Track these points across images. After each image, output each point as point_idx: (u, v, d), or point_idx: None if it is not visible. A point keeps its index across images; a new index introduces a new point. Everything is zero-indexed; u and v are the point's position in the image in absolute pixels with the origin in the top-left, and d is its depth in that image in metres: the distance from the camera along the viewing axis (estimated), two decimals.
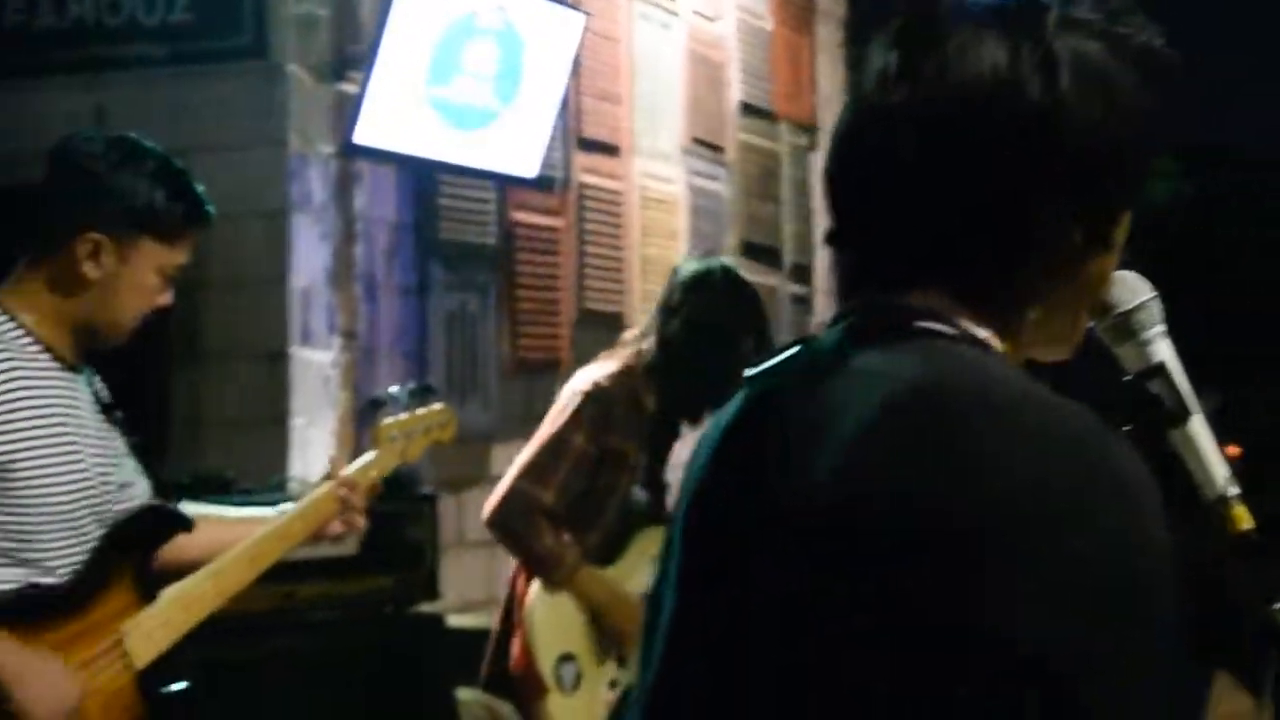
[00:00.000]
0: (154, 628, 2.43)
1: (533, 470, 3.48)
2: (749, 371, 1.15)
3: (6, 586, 2.29)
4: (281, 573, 3.61)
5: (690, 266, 3.68)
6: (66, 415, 2.38)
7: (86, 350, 2.44)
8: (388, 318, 4.90)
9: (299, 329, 4.56)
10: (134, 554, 2.45)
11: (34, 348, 2.36)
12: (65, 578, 2.36)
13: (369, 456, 2.83)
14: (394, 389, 2.96)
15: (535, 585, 3.56)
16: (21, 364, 2.33)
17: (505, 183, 5.23)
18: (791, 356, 1.14)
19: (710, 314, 3.54)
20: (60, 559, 2.35)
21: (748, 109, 6.80)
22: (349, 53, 4.68)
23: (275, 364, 4.54)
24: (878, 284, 1.13)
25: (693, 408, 3.57)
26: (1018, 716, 0.97)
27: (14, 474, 2.28)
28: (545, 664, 3.50)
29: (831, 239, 1.18)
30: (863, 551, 1.01)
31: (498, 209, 5.28)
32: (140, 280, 2.39)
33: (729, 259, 3.84)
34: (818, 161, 7.36)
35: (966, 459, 1.00)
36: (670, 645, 1.12)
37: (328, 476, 2.74)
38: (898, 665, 0.99)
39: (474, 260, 5.19)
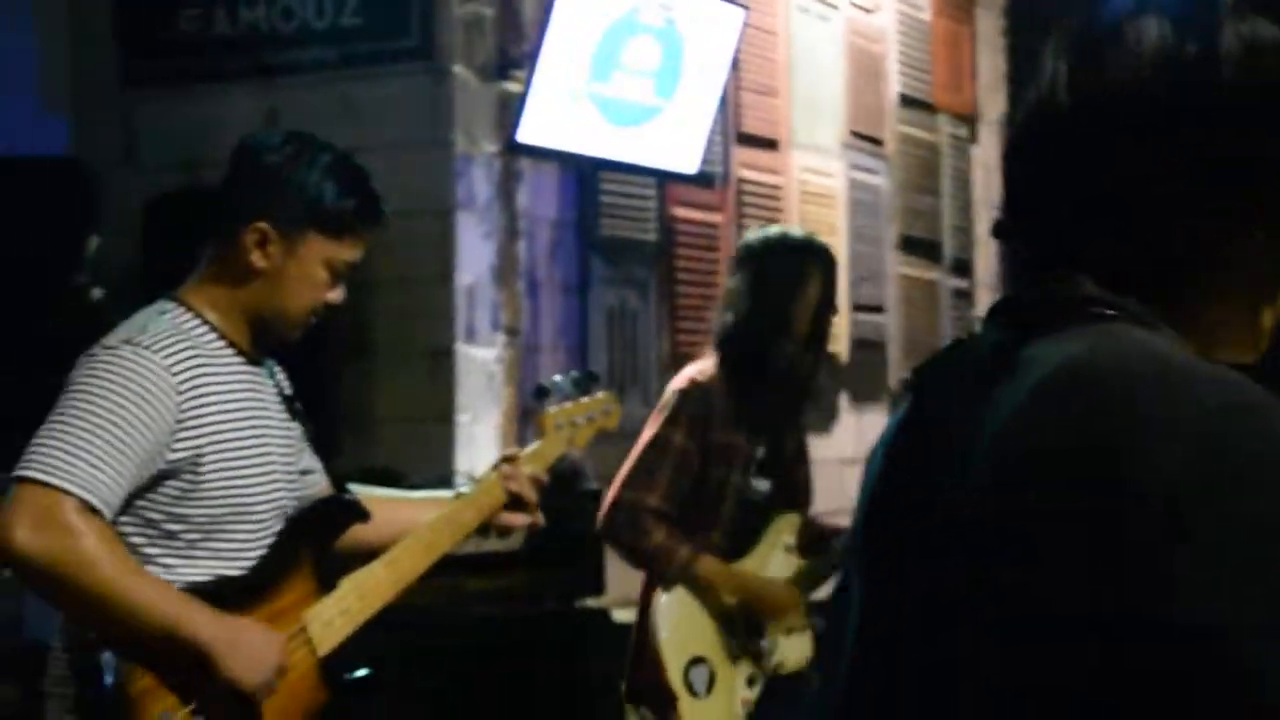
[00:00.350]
0: (334, 616, 2.48)
1: (636, 475, 3.46)
2: (915, 369, 1.16)
3: (196, 577, 2.36)
4: (448, 567, 3.68)
5: (744, 239, 3.67)
6: (252, 408, 2.43)
7: (263, 344, 2.50)
8: (549, 314, 4.95)
9: (464, 326, 4.62)
10: (314, 543, 2.50)
11: (218, 343, 2.42)
12: (249, 567, 2.42)
13: (536, 445, 2.86)
14: (558, 377, 2.98)
15: (661, 592, 3.54)
16: (207, 359, 2.38)
17: (665, 178, 5.24)
18: (954, 351, 1.14)
19: (768, 274, 3.52)
20: (246, 549, 2.41)
21: (907, 101, 6.73)
22: (512, 52, 4.74)
23: (441, 361, 4.61)
24: (1045, 275, 1.11)
25: (758, 370, 3.52)
26: (1189, 688, 0.94)
27: (203, 467, 2.34)
28: (674, 670, 3.47)
29: (999, 230, 1.18)
30: (1014, 542, 0.99)
31: (658, 205, 5.30)
32: (307, 273, 2.41)
33: (790, 228, 3.79)
34: (978, 153, 7.25)
35: (1117, 435, 0.97)
36: (855, 645, 1.13)
37: (497, 464, 2.77)
38: (1055, 654, 0.96)
39: (634, 256, 5.22)
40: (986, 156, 7.27)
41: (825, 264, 3.58)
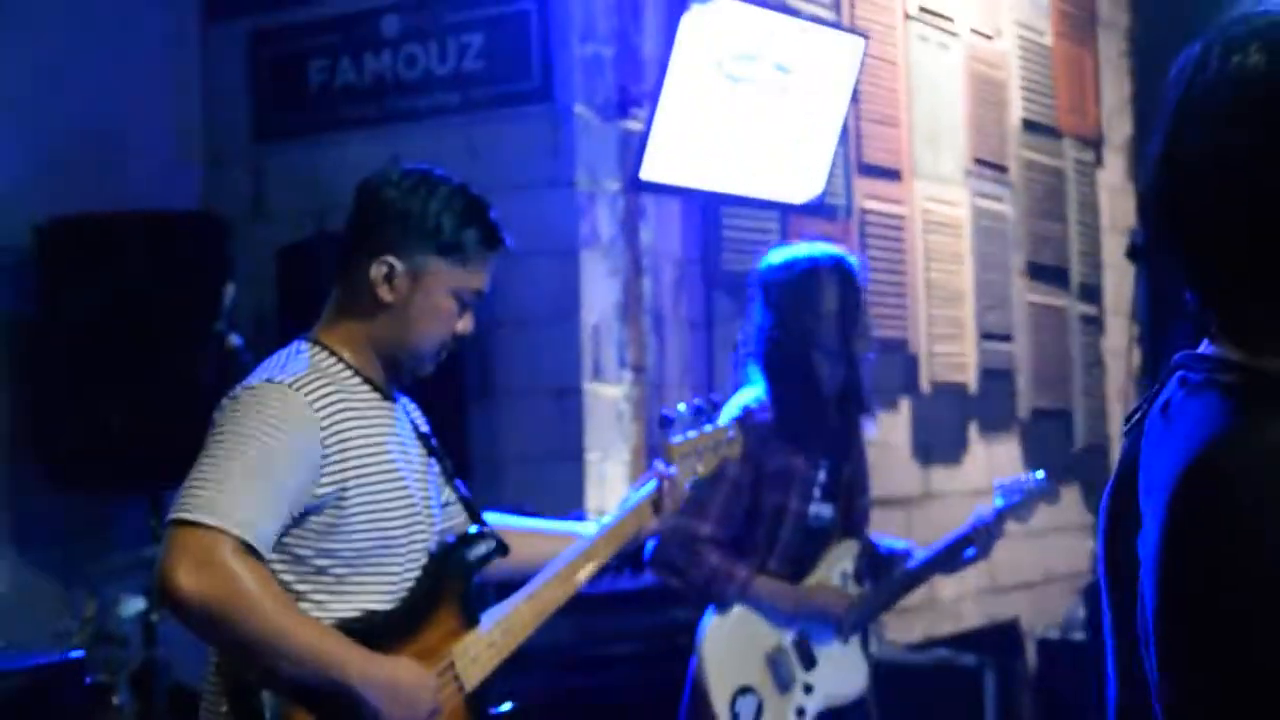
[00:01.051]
0: (480, 650, 2.51)
1: (688, 505, 3.44)
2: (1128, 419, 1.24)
3: (345, 613, 2.38)
4: (581, 605, 3.69)
5: (764, 261, 3.63)
6: (391, 445, 2.46)
7: (396, 380, 2.52)
8: (675, 350, 4.95)
9: (591, 364, 4.64)
10: (457, 577, 2.52)
11: (355, 380, 2.45)
12: (395, 603, 2.44)
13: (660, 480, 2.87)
14: (681, 406, 2.99)
15: (707, 621, 3.51)
16: (346, 395, 2.42)
17: (788, 212, 5.23)
18: (1147, 401, 1.21)
19: (778, 295, 3.48)
20: (392, 584, 2.44)
21: (1030, 126, 6.65)
22: (632, 91, 4.77)
23: (568, 399, 4.63)
24: (1198, 307, 1.17)
25: (804, 387, 3.48)
26: None
27: (347, 501, 2.37)
28: (720, 701, 3.44)
29: (1133, 253, 1.24)
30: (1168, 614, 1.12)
31: (781, 238, 5.28)
32: (435, 304, 2.45)
33: (812, 246, 3.75)
34: (1104, 177, 7.15)
35: (1232, 538, 1.07)
36: (1110, 668, 1.27)
37: (647, 491, 2.78)
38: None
39: None
40: (1112, 180, 7.16)
41: (837, 274, 3.55)
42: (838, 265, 3.57)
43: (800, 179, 5.09)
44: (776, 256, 3.64)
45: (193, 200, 4.88)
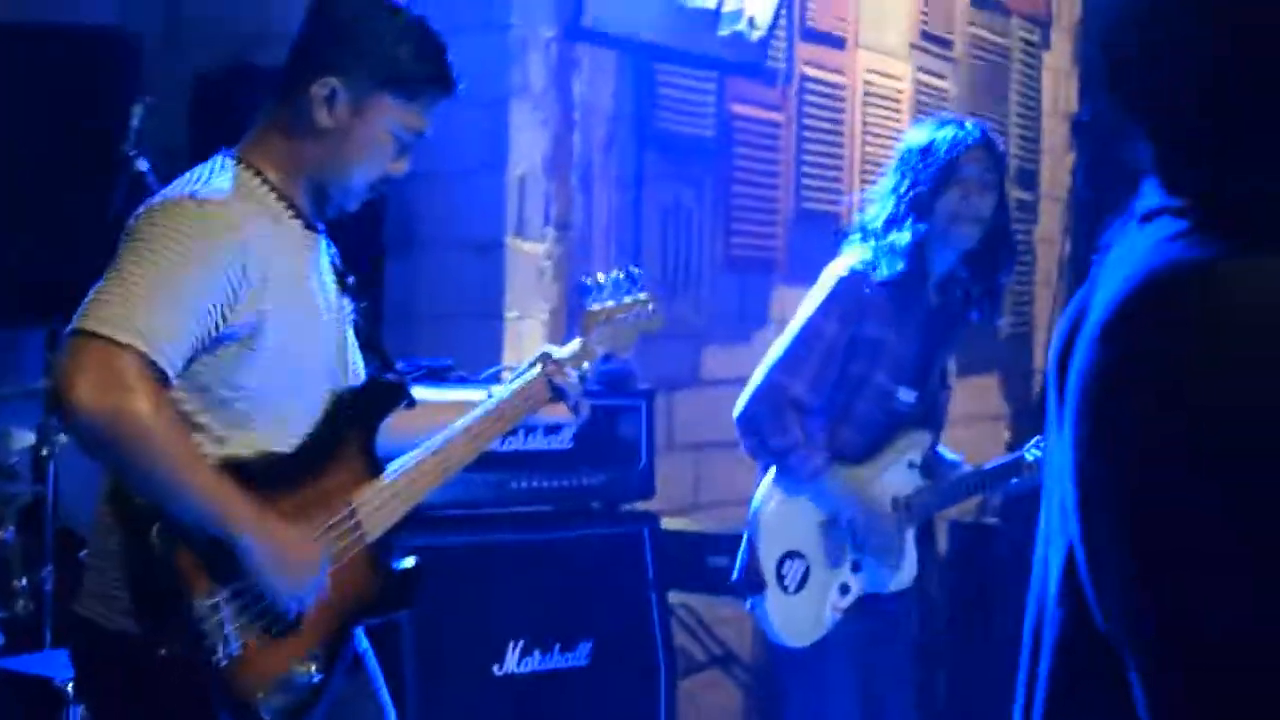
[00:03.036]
0: (385, 500, 2.45)
1: (785, 362, 3.45)
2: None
3: (242, 452, 2.31)
4: (495, 463, 3.65)
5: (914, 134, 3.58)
6: (313, 278, 2.39)
7: (321, 213, 2.43)
8: (603, 209, 4.87)
9: (514, 219, 4.56)
10: (362, 424, 2.45)
11: (280, 204, 2.36)
12: (297, 445, 2.37)
13: (576, 342, 2.82)
14: (600, 276, 2.94)
15: (766, 480, 3.53)
16: (272, 221, 2.33)
17: (726, 71, 5.14)
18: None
19: (926, 171, 3.44)
20: (295, 425, 2.37)
21: (979, 1, 6.58)
22: None
23: (490, 254, 4.55)
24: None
25: (918, 268, 3.46)
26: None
27: (263, 335, 2.29)
28: (768, 559, 3.49)
29: (1076, 129, 1.22)
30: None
31: (717, 100, 5.20)
32: (373, 137, 2.36)
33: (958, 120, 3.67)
34: (1049, 59, 7.09)
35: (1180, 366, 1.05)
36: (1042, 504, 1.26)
37: (538, 360, 2.73)
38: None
39: (691, 153, 5.13)
40: (1057, 63, 7.11)
41: (986, 151, 3.48)
42: (989, 143, 3.49)
43: (742, 41, 4.99)
44: (922, 128, 3.58)
45: (109, 15, 4.70)
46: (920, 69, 6.21)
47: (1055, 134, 6.97)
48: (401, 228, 4.55)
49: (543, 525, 3.86)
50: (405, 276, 4.56)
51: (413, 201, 4.52)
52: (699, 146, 5.14)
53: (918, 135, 3.56)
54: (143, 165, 3.35)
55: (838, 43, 5.71)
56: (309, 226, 2.41)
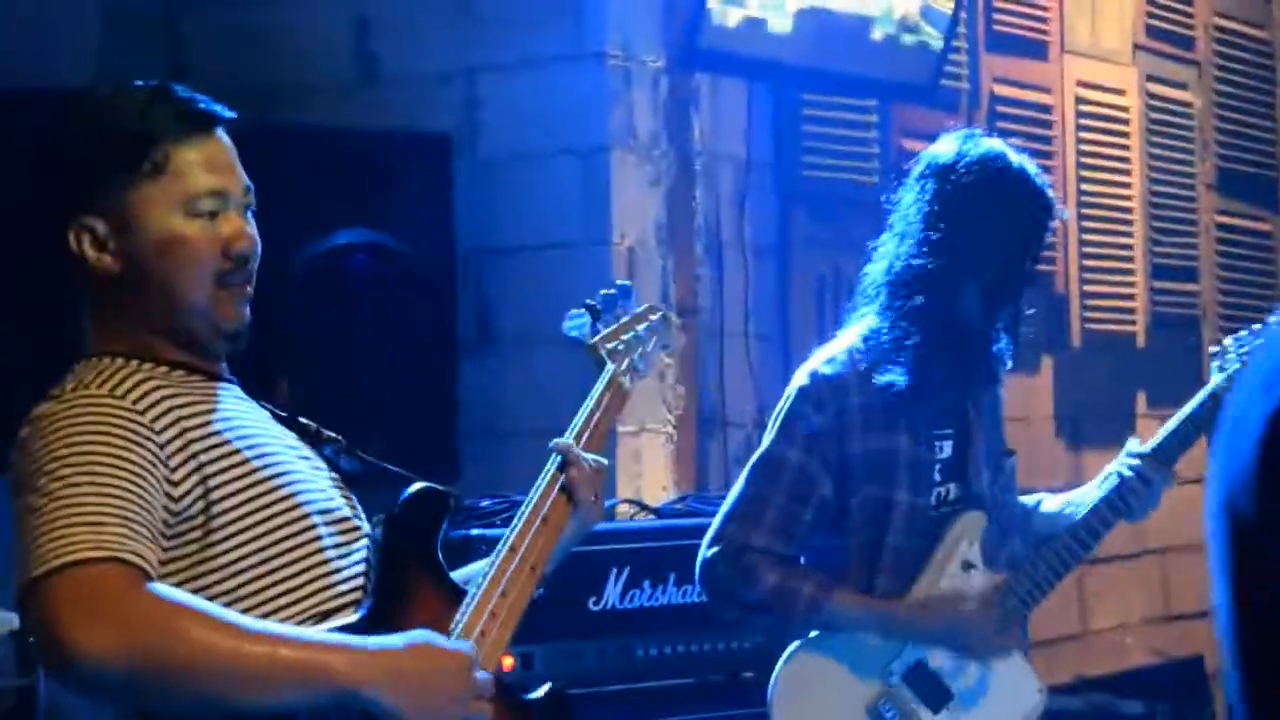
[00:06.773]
0: (483, 624, 2.48)
1: (740, 505, 3.40)
2: None
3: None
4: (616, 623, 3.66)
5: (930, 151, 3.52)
6: (248, 426, 2.45)
7: (209, 355, 2.48)
8: (736, 286, 4.90)
9: None
10: (421, 547, 2.49)
11: (161, 369, 2.43)
12: (352, 602, 2.42)
13: (595, 392, 2.85)
14: (588, 302, 2.98)
15: (782, 663, 3.43)
16: (162, 384, 2.40)
17: (890, 98, 5.17)
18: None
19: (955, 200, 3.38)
20: (321, 580, 2.40)
21: None
22: None
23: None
24: None
25: (942, 324, 3.38)
26: None
27: (214, 500, 2.34)
28: None
29: None
30: None
31: (881, 135, 5.22)
32: (165, 238, 2.39)
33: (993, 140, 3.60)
34: None
35: None
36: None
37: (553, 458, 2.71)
38: None
39: (850, 206, 5.13)
40: None
41: (1030, 182, 3.43)
42: (1029, 173, 3.44)
43: (908, 55, 5.01)
44: (947, 144, 3.49)
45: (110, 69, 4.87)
46: (1150, 77, 6.19)
47: None
48: (478, 319, 4.60)
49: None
50: (483, 381, 4.60)
51: (491, 285, 4.57)
52: (860, 198, 5.12)
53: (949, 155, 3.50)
54: None
55: (1037, 50, 5.72)
56: (212, 378, 2.47)
